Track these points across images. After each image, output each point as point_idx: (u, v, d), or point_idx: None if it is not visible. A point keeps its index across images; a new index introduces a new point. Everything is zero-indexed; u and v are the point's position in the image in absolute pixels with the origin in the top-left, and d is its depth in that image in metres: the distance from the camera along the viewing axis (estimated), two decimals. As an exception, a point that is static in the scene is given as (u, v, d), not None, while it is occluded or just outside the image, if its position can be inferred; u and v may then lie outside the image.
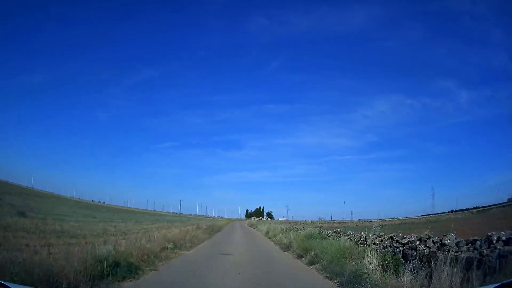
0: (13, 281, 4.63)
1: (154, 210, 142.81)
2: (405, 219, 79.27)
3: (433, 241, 6.89)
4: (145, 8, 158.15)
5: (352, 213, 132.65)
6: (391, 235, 8.99)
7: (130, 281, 6.89)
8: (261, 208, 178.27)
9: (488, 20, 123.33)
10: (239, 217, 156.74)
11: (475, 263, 5.28)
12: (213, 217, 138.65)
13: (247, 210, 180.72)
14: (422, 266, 6.34)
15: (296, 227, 22.91)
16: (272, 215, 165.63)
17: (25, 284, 4.63)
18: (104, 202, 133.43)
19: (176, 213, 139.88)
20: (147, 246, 9.82)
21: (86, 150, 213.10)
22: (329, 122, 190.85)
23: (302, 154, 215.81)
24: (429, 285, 5.71)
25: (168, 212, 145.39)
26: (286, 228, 22.42)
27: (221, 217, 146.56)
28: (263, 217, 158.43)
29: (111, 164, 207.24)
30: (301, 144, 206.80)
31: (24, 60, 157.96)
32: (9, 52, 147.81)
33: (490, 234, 5.72)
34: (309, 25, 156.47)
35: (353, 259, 7.89)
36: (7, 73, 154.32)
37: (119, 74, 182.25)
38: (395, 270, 6.64)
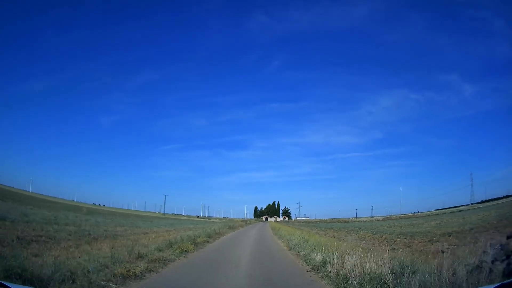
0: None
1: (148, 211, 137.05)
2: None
3: None
4: (144, 11, 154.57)
5: (372, 209, 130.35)
6: None
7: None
8: (276, 204, 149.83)
9: (490, 10, 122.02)
10: (245, 217, 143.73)
11: None
12: (210, 218, 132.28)
13: (255, 208, 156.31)
14: None
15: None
16: (289, 213, 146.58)
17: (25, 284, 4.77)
18: (104, 205, 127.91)
19: (170, 214, 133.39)
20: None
21: (90, 155, 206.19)
22: (334, 119, 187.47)
23: (308, 153, 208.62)
24: None
25: (173, 214, 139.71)
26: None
27: (226, 217, 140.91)
28: (279, 216, 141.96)
29: (115, 168, 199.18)
30: (307, 142, 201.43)
31: (25, 65, 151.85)
32: (10, 57, 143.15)
33: None
34: (310, 22, 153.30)
35: None
36: (9, 79, 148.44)
37: (121, 77, 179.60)
38: None
